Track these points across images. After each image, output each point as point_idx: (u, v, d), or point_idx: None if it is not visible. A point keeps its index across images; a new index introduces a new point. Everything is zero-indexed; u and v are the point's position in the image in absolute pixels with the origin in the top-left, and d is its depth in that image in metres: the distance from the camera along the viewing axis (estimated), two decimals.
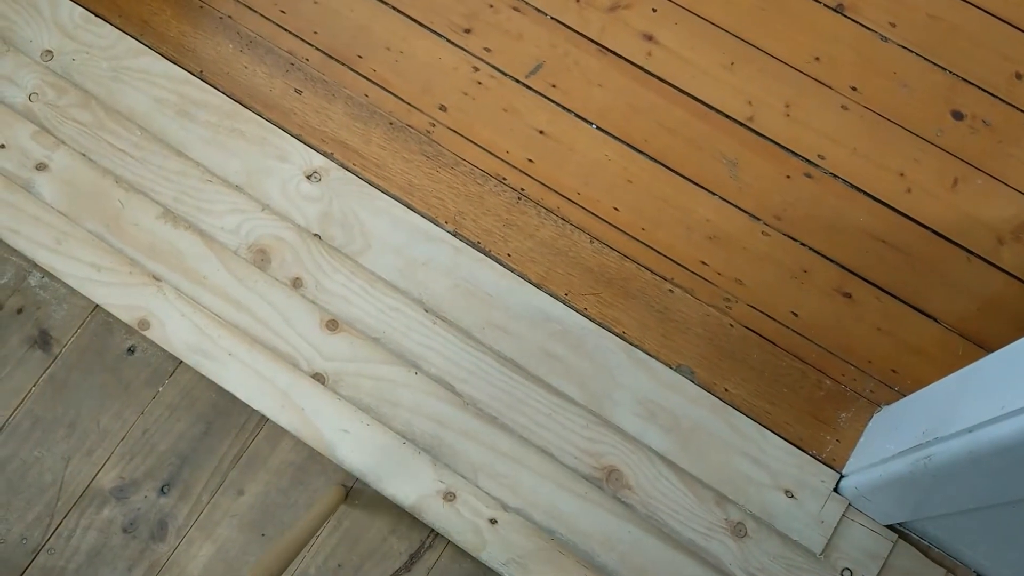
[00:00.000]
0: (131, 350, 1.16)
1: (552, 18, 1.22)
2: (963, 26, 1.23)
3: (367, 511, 1.10)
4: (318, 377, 1.11)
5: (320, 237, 1.14)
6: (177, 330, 1.14)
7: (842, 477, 1.07)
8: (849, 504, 1.06)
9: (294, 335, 1.12)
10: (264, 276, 1.13)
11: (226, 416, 1.13)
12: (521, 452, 1.09)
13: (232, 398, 1.12)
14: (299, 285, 1.13)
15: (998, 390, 0.74)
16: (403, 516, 1.09)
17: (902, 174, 1.17)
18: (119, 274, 1.15)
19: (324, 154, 1.17)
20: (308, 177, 1.16)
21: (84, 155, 1.18)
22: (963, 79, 1.21)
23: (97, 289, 1.15)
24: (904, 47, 1.22)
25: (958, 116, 1.19)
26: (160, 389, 1.14)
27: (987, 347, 1.12)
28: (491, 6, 1.22)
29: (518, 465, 1.08)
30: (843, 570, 1.04)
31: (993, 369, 0.79)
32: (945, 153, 1.18)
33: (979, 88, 1.20)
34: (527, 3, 1.23)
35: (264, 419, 1.13)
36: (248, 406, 1.12)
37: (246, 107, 1.18)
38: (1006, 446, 0.71)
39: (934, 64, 1.21)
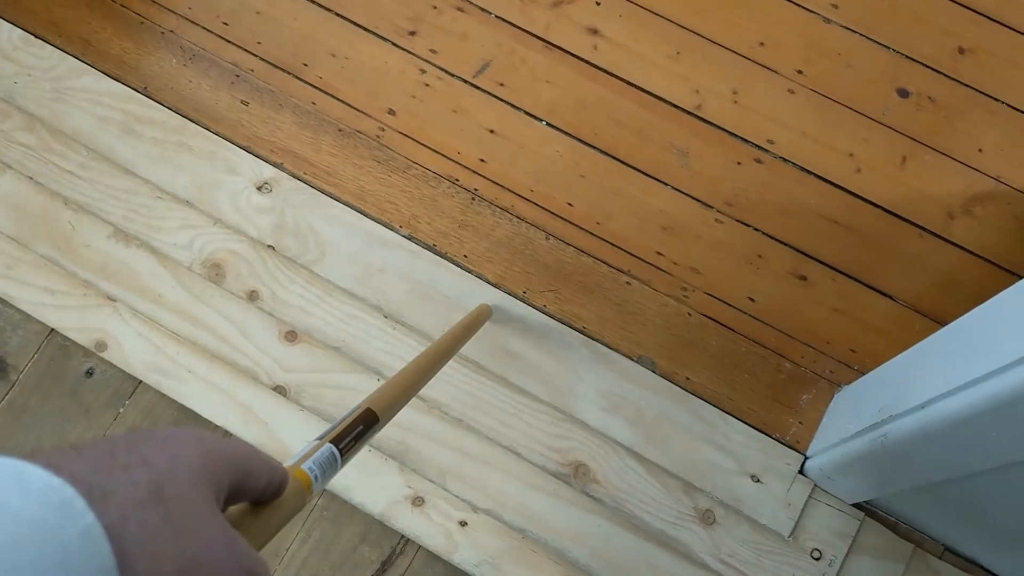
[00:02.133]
0: (90, 372, 1.15)
1: (496, 17, 1.22)
2: (904, 4, 1.24)
3: (336, 521, 1.09)
4: (280, 390, 1.10)
5: (274, 248, 1.13)
6: (135, 350, 1.13)
7: (806, 459, 1.07)
8: (815, 485, 1.07)
9: (253, 349, 1.11)
10: (220, 291, 1.13)
11: None
12: (488, 453, 1.09)
13: (195, 416, 1.11)
14: (255, 298, 1.12)
15: (946, 366, 0.74)
16: (373, 524, 1.09)
17: (851, 154, 1.18)
18: (73, 297, 1.14)
19: (274, 164, 1.16)
20: (259, 188, 1.15)
21: (31, 178, 1.16)
22: (907, 57, 1.22)
23: (52, 313, 1.14)
24: (847, 28, 1.22)
25: (904, 94, 1.20)
26: (121, 410, 1.13)
27: (943, 322, 1.13)
28: (435, 7, 1.22)
29: (485, 466, 1.08)
30: (812, 550, 1.05)
31: (942, 345, 0.80)
32: (893, 131, 1.19)
33: (923, 65, 1.21)
34: (471, 3, 1.22)
35: (229, 435, 1.12)
36: (211, 423, 1.11)
37: (193, 121, 1.17)
38: (956, 421, 0.72)
39: (877, 43, 1.22)
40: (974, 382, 0.67)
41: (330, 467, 0.51)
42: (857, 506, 1.07)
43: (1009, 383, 0.62)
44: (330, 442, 0.53)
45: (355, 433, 0.57)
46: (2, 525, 0.26)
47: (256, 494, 0.40)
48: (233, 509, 0.41)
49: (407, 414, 1.09)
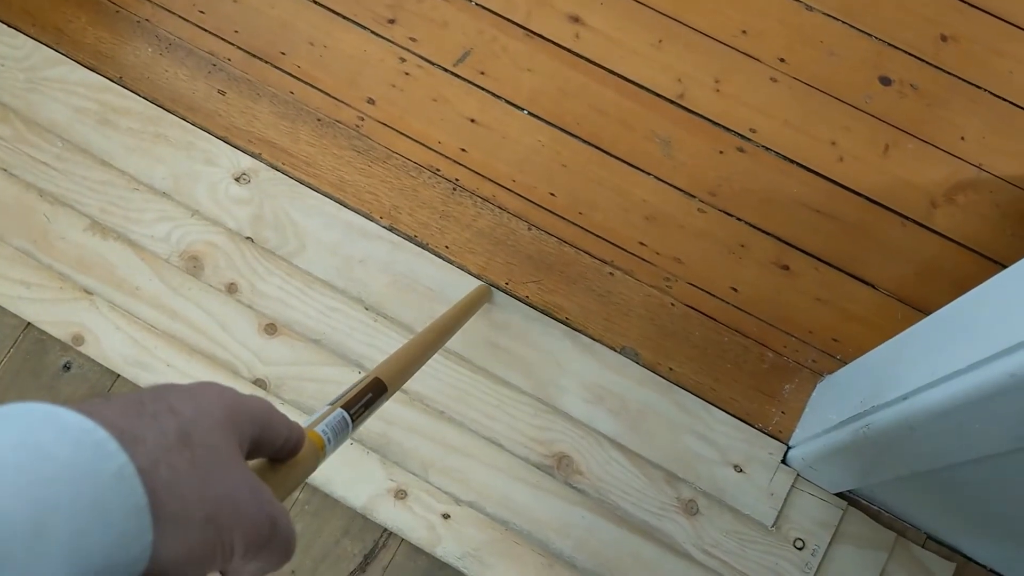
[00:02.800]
0: (67, 367, 1.13)
1: (477, 4, 1.21)
2: None
3: (318, 515, 1.08)
4: (259, 383, 1.09)
5: (253, 240, 1.12)
6: (113, 343, 1.11)
7: (789, 449, 1.07)
8: (797, 475, 1.07)
9: (232, 342, 1.10)
10: (198, 283, 1.11)
11: None
12: (471, 445, 1.08)
13: None
14: (234, 290, 1.11)
15: (929, 357, 0.74)
16: (355, 517, 1.08)
17: (834, 143, 1.17)
18: (49, 290, 1.13)
19: (252, 155, 1.15)
20: (237, 179, 1.14)
21: (5, 170, 1.14)
22: (889, 44, 1.21)
23: (28, 307, 1.12)
24: (829, 15, 1.22)
25: (886, 81, 1.20)
26: None
27: (926, 311, 1.13)
28: None
29: (468, 458, 1.08)
30: (795, 540, 1.05)
31: (924, 335, 0.80)
32: (875, 119, 1.18)
33: (906, 52, 1.21)
34: None
35: None
36: None
37: (169, 111, 1.16)
38: (938, 412, 0.71)
39: (859, 31, 1.21)
40: (956, 373, 0.67)
41: (342, 431, 0.53)
42: (840, 495, 1.07)
43: (991, 374, 0.62)
44: (342, 407, 0.54)
45: (365, 400, 0.58)
46: (38, 465, 0.27)
47: (275, 449, 0.41)
48: (253, 463, 0.42)
49: (389, 407, 1.08)
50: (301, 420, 1.02)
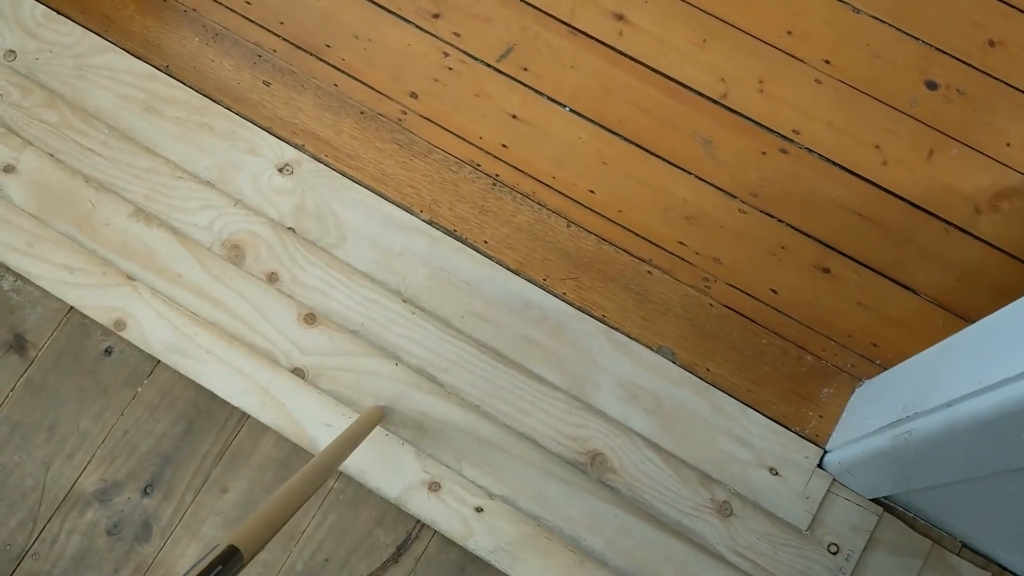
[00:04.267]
0: (108, 351, 1.15)
1: (522, 0, 1.21)
2: None
3: (352, 504, 1.09)
4: (298, 372, 1.10)
5: (294, 230, 1.12)
6: (154, 329, 1.13)
7: (826, 453, 1.07)
8: (833, 479, 1.06)
9: (272, 330, 1.11)
10: (239, 272, 1.12)
11: (207, 415, 1.12)
12: (505, 440, 1.09)
13: (212, 396, 1.12)
14: (275, 280, 1.12)
15: (975, 364, 0.73)
16: (389, 508, 1.09)
17: (877, 146, 1.16)
18: (93, 275, 1.14)
19: (295, 146, 1.15)
20: (280, 170, 1.15)
21: (52, 155, 1.16)
22: (936, 48, 1.20)
23: (71, 291, 1.14)
24: (876, 18, 1.21)
25: (932, 86, 1.18)
26: (139, 390, 1.13)
27: (967, 318, 1.12)
28: None
29: (502, 453, 1.08)
30: (829, 545, 1.05)
31: (970, 342, 0.79)
32: (920, 124, 1.17)
33: (952, 57, 1.20)
34: None
35: (245, 416, 1.12)
36: (229, 404, 1.11)
37: (214, 101, 1.17)
38: (984, 420, 0.71)
39: (906, 34, 1.20)
40: (1005, 382, 0.66)
41: None
42: (876, 501, 1.06)
43: None
44: None
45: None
46: None
47: None
48: None
49: (424, 399, 1.09)
50: (331, 416, 1.03)
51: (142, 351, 1.13)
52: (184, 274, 1.13)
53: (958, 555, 1.06)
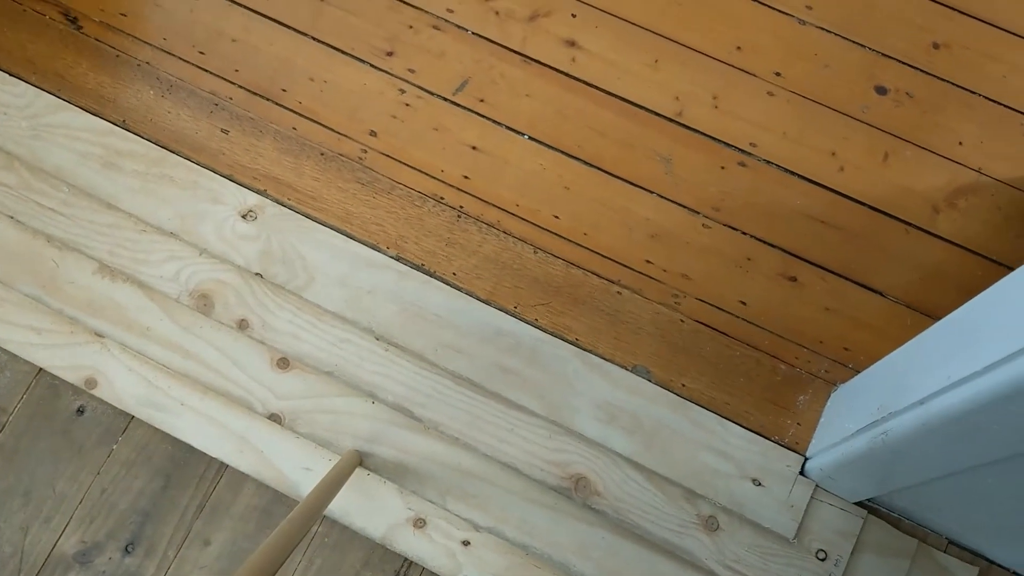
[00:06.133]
0: (80, 410, 1.13)
1: (473, 33, 1.22)
2: (878, 2, 1.24)
3: (338, 547, 1.08)
4: (274, 417, 1.09)
5: (262, 276, 1.12)
6: (126, 385, 1.12)
7: (806, 460, 1.07)
8: (816, 486, 1.06)
9: (245, 378, 1.10)
10: (209, 321, 1.12)
11: (185, 467, 1.11)
12: (487, 470, 1.08)
13: (189, 448, 1.10)
14: (245, 326, 1.11)
15: (943, 360, 0.74)
16: (375, 548, 1.08)
17: (833, 153, 1.18)
18: (60, 335, 1.13)
19: (257, 192, 1.15)
20: (243, 216, 1.14)
21: (12, 217, 1.15)
22: (883, 54, 1.22)
23: (39, 352, 1.13)
24: (822, 28, 1.23)
25: (882, 91, 1.21)
26: (114, 447, 1.12)
27: (934, 316, 1.13)
28: (411, 27, 1.22)
29: (485, 483, 1.08)
30: (818, 551, 1.05)
31: (938, 340, 0.80)
32: (873, 128, 1.19)
33: (899, 61, 1.22)
34: (447, 21, 1.22)
35: (224, 466, 1.11)
36: (206, 455, 1.10)
37: (173, 152, 1.17)
38: (956, 415, 0.72)
39: (853, 42, 1.22)
40: (973, 375, 0.67)
41: None
42: (860, 504, 1.07)
43: (1008, 376, 0.62)
44: None
45: None
46: None
47: None
48: None
49: (403, 436, 1.08)
50: (310, 459, 1.02)
51: (115, 408, 1.12)
52: (153, 327, 1.12)
53: (945, 552, 1.06)
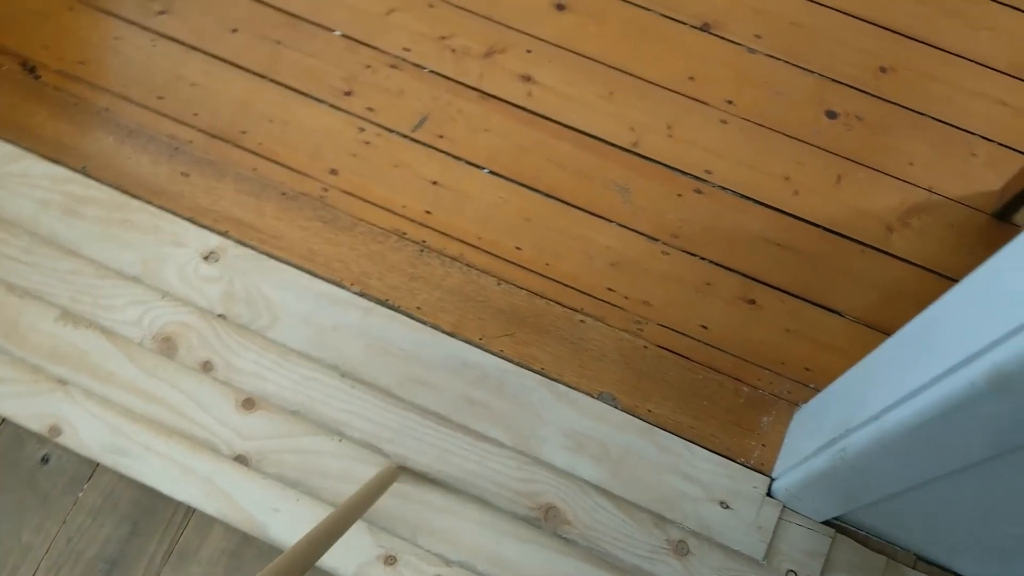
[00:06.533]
0: (45, 459, 1.12)
1: (430, 71, 1.24)
2: (825, 29, 1.28)
3: None
4: (240, 459, 1.09)
5: (225, 317, 1.12)
6: (90, 432, 1.11)
7: (773, 480, 1.08)
8: (784, 506, 1.07)
9: (210, 420, 1.10)
10: (172, 364, 1.11)
11: (152, 513, 1.10)
12: (456, 504, 1.08)
13: (156, 493, 1.10)
14: (209, 368, 1.11)
15: (895, 375, 0.76)
16: None
17: (787, 178, 1.20)
18: (23, 383, 1.12)
19: (219, 233, 1.16)
20: (205, 258, 1.15)
21: None
22: (832, 79, 1.25)
23: (2, 402, 1.12)
24: (772, 56, 1.26)
25: (832, 115, 1.23)
26: (80, 495, 1.11)
27: (892, 333, 1.14)
28: (368, 66, 1.23)
29: (455, 517, 1.08)
30: (787, 572, 1.05)
31: (889, 355, 0.81)
32: (825, 152, 1.22)
33: (848, 86, 1.25)
34: (404, 59, 1.24)
35: (191, 510, 1.10)
36: (173, 499, 1.09)
37: (134, 197, 1.17)
38: (909, 428, 0.73)
39: (802, 69, 1.25)
40: (921, 388, 0.68)
41: None
42: (827, 523, 1.08)
43: (953, 386, 0.64)
44: None
45: None
46: None
47: None
48: None
49: (371, 472, 1.08)
50: (279, 500, 1.02)
51: (80, 455, 1.11)
52: (116, 372, 1.11)
53: (914, 568, 1.07)
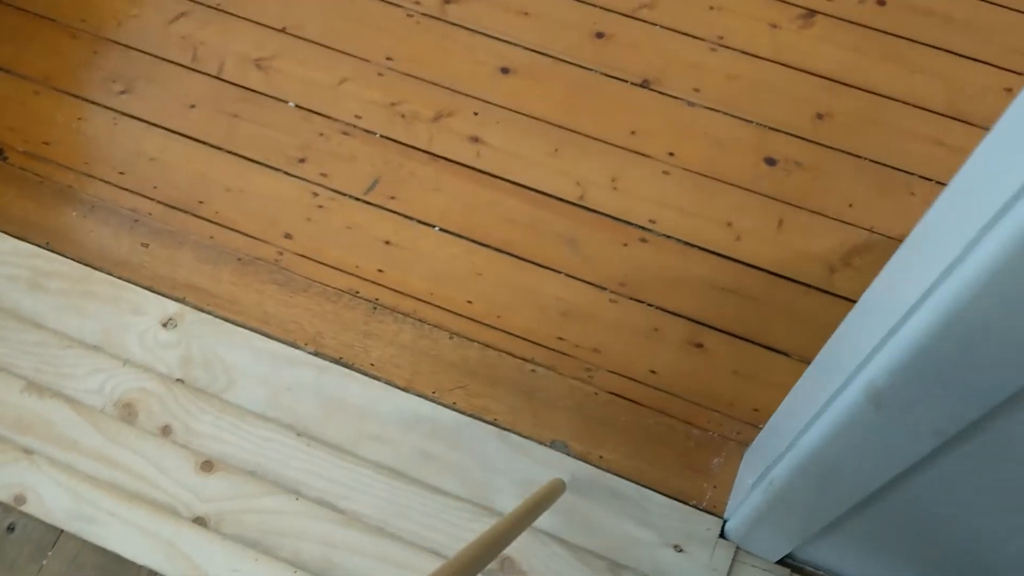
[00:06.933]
0: (11, 528, 1.14)
1: (381, 136, 1.29)
2: (761, 79, 1.32)
3: None
4: (200, 521, 1.10)
5: (183, 381, 1.15)
6: (55, 499, 1.13)
7: (725, 522, 1.09)
8: (737, 547, 1.08)
9: (170, 483, 1.12)
10: (133, 430, 1.14)
11: None
12: (413, 558, 1.09)
13: (119, 558, 1.11)
14: (168, 432, 1.13)
15: (804, 402, 0.78)
16: None
17: (730, 224, 1.24)
18: None
19: (177, 300, 1.19)
20: (164, 325, 1.18)
21: None
22: (770, 127, 1.29)
23: None
24: (711, 108, 1.30)
25: (771, 162, 1.27)
26: (44, 562, 1.13)
27: None
28: (321, 134, 1.28)
29: (411, 572, 1.09)
30: None
31: (804, 383, 0.84)
32: (766, 198, 1.25)
33: (786, 133, 1.29)
34: (356, 126, 1.29)
35: (154, 574, 1.11)
36: (135, 563, 1.10)
37: (96, 269, 1.21)
38: (817, 451, 0.75)
39: (741, 119, 1.30)
40: (822, 409, 0.70)
41: None
42: (785, 564, 1.08)
43: (845, 403, 0.66)
44: None
45: None
46: None
47: None
48: None
49: (328, 529, 1.10)
50: (239, 560, 1.03)
51: (45, 523, 1.12)
52: (80, 440, 1.14)
53: None
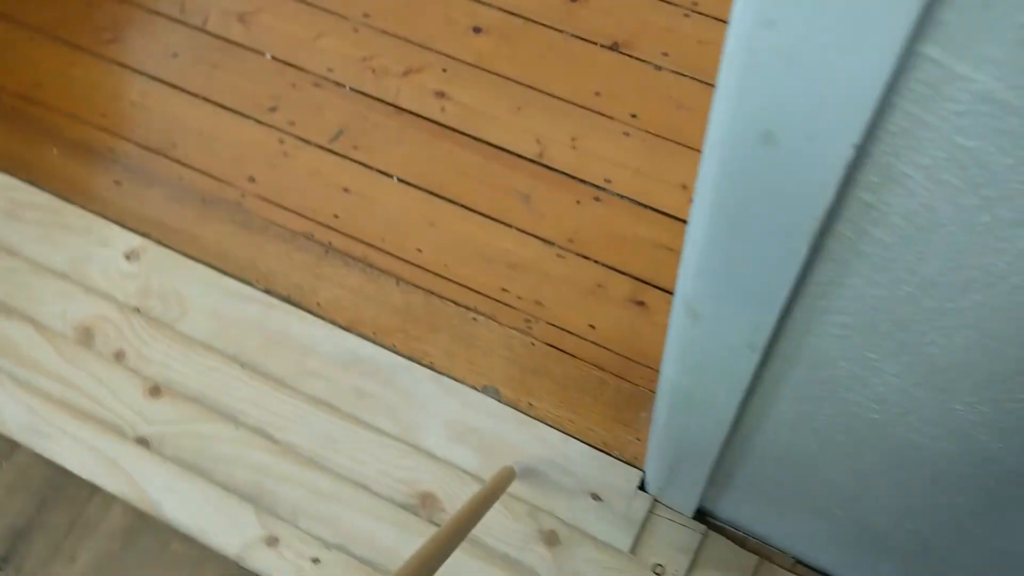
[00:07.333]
0: None
1: (351, 89, 1.32)
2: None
3: (196, 565, 1.12)
4: (142, 441, 1.15)
5: (139, 310, 1.20)
6: (13, 414, 1.19)
7: (645, 474, 1.09)
8: (655, 500, 1.08)
9: (119, 405, 1.17)
10: (90, 353, 1.20)
11: (61, 490, 1.17)
12: (340, 490, 1.12)
13: (66, 472, 1.17)
14: (122, 357, 1.19)
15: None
16: (230, 565, 1.12)
17: (684, 187, 1.23)
18: None
19: (142, 235, 1.25)
20: (128, 257, 1.24)
21: None
22: None
23: None
24: (678, 72, 1.30)
25: None
26: None
27: None
28: (294, 85, 1.33)
29: (337, 503, 1.11)
30: (655, 566, 1.05)
31: None
32: None
33: None
34: (327, 79, 1.33)
35: (96, 489, 1.17)
36: (80, 477, 1.16)
37: (71, 203, 1.27)
38: (673, 382, 0.75)
39: (706, 83, 1.29)
40: (672, 339, 0.71)
41: None
42: (702, 521, 1.08)
43: (677, 322, 0.66)
44: None
45: None
46: None
47: None
48: None
49: (262, 457, 1.13)
50: (176, 481, 1.07)
51: (2, 436, 1.19)
52: (40, 360, 1.20)
53: (791, 571, 1.06)
